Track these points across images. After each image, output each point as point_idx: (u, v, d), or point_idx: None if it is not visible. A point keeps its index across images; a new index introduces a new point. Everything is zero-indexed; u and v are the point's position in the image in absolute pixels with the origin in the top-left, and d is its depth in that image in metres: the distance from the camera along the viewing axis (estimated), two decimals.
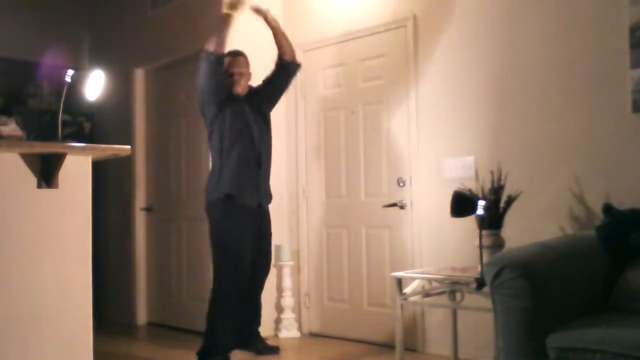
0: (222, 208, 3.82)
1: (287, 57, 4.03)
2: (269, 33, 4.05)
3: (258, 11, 3.96)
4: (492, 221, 3.07)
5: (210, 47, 3.76)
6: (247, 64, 4.01)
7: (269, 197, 4.04)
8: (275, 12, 4.86)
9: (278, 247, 4.50)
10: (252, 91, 4.03)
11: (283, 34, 4.05)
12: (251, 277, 3.93)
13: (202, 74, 3.82)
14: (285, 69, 4.06)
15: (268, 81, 4.08)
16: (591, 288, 2.57)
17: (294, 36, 4.82)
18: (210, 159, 3.99)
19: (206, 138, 4.28)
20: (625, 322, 2.30)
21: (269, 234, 4.09)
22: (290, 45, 4.06)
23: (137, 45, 5.40)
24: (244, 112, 3.89)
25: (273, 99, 4.11)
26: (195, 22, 4.87)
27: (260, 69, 4.10)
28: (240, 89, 3.93)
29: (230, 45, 3.99)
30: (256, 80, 4.11)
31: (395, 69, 4.27)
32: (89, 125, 5.64)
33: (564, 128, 3.49)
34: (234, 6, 3.80)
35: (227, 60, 3.92)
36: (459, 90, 3.93)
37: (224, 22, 3.82)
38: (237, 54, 3.99)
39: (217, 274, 3.85)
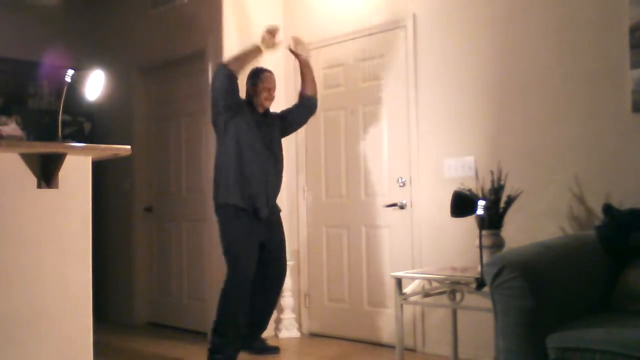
0: (228, 215, 3.83)
1: (309, 92, 4.07)
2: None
3: (297, 42, 4.02)
4: (492, 221, 3.07)
5: (230, 64, 3.82)
6: (275, 83, 4.07)
7: (276, 211, 4.03)
8: (275, 12, 4.90)
9: None
10: (269, 113, 4.06)
11: (310, 67, 4.08)
12: (263, 282, 3.94)
13: (214, 87, 3.88)
14: (307, 104, 4.10)
15: (288, 113, 4.12)
16: (591, 288, 2.57)
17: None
18: (217, 163, 3.96)
19: (206, 138, 4.30)
20: (625, 322, 2.30)
21: (282, 241, 4.06)
22: (314, 80, 4.10)
23: (137, 45, 5.40)
24: (260, 126, 3.91)
25: (287, 130, 4.14)
26: (195, 22, 4.87)
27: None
28: (269, 103, 3.99)
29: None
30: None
31: (395, 69, 4.27)
32: (89, 125, 5.64)
33: (564, 128, 3.50)
34: (269, 46, 3.88)
35: (262, 75, 4.00)
36: (459, 90, 3.93)
37: (254, 53, 3.88)
38: (270, 71, 4.05)
39: (226, 279, 3.86)
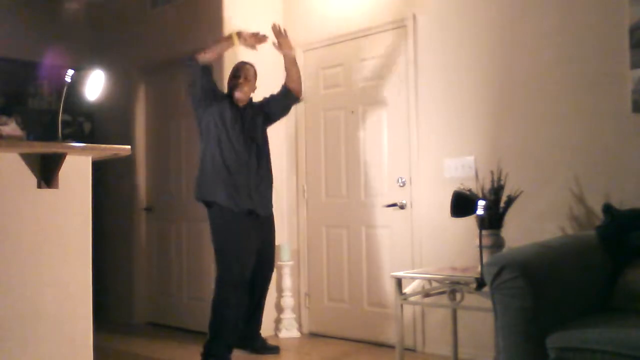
0: (218, 212, 3.85)
1: (292, 86, 4.08)
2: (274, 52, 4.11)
3: (279, 35, 3.99)
4: (492, 221, 3.07)
5: (200, 56, 3.82)
6: (254, 75, 4.06)
7: (266, 207, 4.02)
8: (275, 12, 4.90)
9: (278, 247, 4.49)
10: (251, 104, 4.07)
11: (295, 63, 4.08)
12: (253, 280, 3.95)
13: (188, 80, 3.94)
14: (287, 97, 4.12)
15: (268, 101, 4.12)
16: (591, 288, 2.57)
17: (294, 36, 4.83)
18: (200, 159, 3.97)
19: None
20: (625, 322, 2.30)
21: (272, 240, 4.13)
22: (298, 77, 4.10)
23: (137, 45, 5.40)
24: (237, 119, 3.91)
25: (270, 119, 4.14)
26: (195, 21, 4.87)
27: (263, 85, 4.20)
28: (241, 94, 3.96)
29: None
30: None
31: (395, 69, 4.27)
32: (89, 125, 5.64)
33: (564, 128, 3.50)
34: (240, 37, 3.89)
35: (236, 65, 4.05)
36: (459, 90, 3.93)
37: (226, 42, 3.91)
38: (246, 63, 4.07)
39: (217, 277, 3.87)
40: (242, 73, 3.99)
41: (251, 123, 3.97)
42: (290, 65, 4.07)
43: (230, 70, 4.13)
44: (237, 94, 3.95)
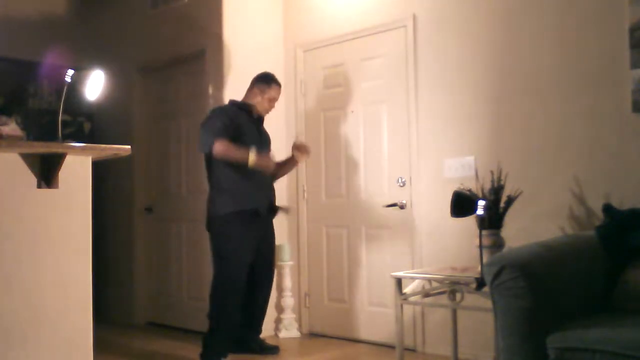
0: (229, 221, 3.85)
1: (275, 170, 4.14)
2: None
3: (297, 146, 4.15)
4: (492, 221, 3.07)
5: (217, 151, 3.76)
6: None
7: (274, 209, 4.11)
8: (275, 12, 4.91)
9: (278, 247, 4.49)
10: (262, 120, 4.14)
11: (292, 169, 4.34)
12: (253, 284, 3.97)
13: (204, 139, 3.91)
14: None
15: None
16: (591, 288, 2.57)
17: (294, 36, 4.85)
18: (216, 175, 3.96)
19: None
20: (625, 322, 2.30)
21: (272, 241, 4.16)
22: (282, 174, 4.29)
23: (137, 45, 5.39)
24: (254, 132, 4.00)
25: None
26: (195, 22, 4.87)
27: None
28: (266, 113, 4.10)
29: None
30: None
31: (395, 69, 4.27)
32: (89, 125, 5.63)
33: (564, 128, 3.50)
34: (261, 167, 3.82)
35: (271, 85, 4.04)
36: (459, 90, 3.93)
37: (242, 160, 3.76)
38: (279, 84, 4.11)
39: (215, 280, 3.89)
40: (276, 94, 4.07)
41: (263, 136, 4.08)
42: (291, 166, 4.22)
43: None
44: (265, 112, 4.08)
